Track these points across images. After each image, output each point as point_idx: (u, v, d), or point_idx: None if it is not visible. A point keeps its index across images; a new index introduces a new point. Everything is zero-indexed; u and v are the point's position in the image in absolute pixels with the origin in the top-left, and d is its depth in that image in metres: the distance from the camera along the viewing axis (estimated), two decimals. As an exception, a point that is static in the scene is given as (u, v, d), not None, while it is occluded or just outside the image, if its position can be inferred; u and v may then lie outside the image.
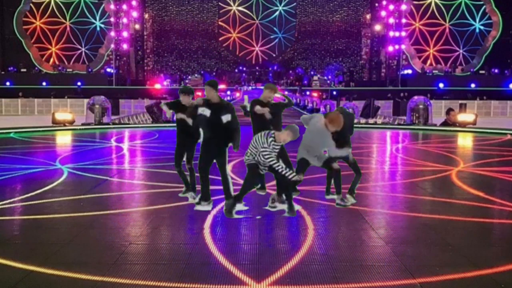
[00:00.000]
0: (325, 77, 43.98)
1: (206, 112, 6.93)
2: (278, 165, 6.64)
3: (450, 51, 43.80)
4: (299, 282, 4.65)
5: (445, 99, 31.64)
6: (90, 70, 41.20)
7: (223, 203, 7.43)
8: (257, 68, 47.31)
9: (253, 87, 43.20)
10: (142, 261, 5.31)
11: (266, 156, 6.58)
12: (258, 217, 6.84)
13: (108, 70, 40.50)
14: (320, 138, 6.95)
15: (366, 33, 46.49)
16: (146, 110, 24.22)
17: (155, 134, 17.97)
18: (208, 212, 7.03)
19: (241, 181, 8.68)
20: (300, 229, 6.34)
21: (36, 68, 41.56)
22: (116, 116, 26.23)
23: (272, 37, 48.61)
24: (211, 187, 7.36)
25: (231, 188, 7.08)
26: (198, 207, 7.18)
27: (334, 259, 5.27)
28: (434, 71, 41.23)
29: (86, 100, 25.82)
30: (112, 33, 39.47)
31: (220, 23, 48.18)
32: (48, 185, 8.80)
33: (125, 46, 39.64)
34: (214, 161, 7.14)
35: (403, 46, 39.48)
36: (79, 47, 44.45)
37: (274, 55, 48.61)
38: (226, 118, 6.93)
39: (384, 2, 39.98)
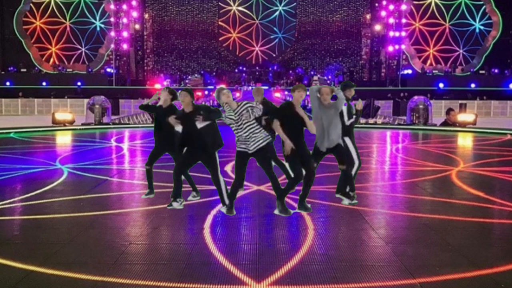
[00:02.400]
0: (325, 77, 43.96)
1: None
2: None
3: (450, 51, 43.78)
4: (299, 282, 4.65)
5: (445, 99, 31.64)
6: (90, 70, 41.18)
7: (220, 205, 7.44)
8: (257, 68, 47.28)
9: (253, 87, 43.08)
10: (142, 261, 5.31)
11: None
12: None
13: (108, 70, 40.48)
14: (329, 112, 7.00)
15: (366, 33, 46.47)
16: (146, 110, 24.19)
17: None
18: (208, 212, 7.03)
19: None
20: (300, 229, 6.34)
21: (36, 68, 41.54)
22: (116, 116, 26.24)
23: (272, 37, 48.60)
24: (211, 187, 7.35)
25: (225, 194, 6.97)
26: (173, 207, 7.15)
27: (334, 259, 5.27)
28: (434, 71, 41.21)
29: (86, 100, 25.83)
30: (112, 33, 39.46)
31: (220, 23, 48.17)
32: (48, 185, 8.80)
33: (125, 46, 39.64)
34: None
35: (403, 46, 39.46)
36: (79, 47, 44.43)
37: (274, 55, 48.59)
38: (199, 123, 6.80)
39: (384, 2, 39.96)
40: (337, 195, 7.52)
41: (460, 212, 7.15)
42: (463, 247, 5.64)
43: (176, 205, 7.17)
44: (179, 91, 7.09)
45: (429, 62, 43.64)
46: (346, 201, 7.41)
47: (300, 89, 6.77)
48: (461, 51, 43.68)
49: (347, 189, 7.45)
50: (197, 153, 6.92)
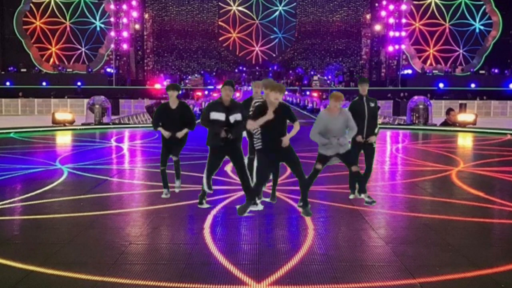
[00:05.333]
0: (325, 77, 43.96)
1: (221, 116, 6.90)
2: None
3: (450, 51, 43.80)
4: (299, 282, 4.65)
5: (445, 99, 31.65)
6: (90, 70, 41.20)
7: (223, 203, 7.44)
8: (257, 68, 47.29)
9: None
10: (142, 261, 5.31)
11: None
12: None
13: (108, 70, 40.50)
14: (337, 123, 7.07)
15: (366, 33, 46.48)
16: (146, 110, 24.24)
17: (155, 134, 17.96)
18: (208, 212, 7.03)
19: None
20: (300, 229, 6.34)
21: (36, 68, 41.56)
22: (116, 116, 26.23)
23: (272, 37, 48.61)
24: (216, 187, 7.34)
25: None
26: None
27: (334, 259, 5.27)
28: (434, 71, 41.22)
29: (86, 100, 25.83)
30: (112, 33, 39.47)
31: (220, 23, 48.18)
32: (48, 185, 8.79)
33: (125, 46, 39.65)
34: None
35: (403, 46, 39.47)
36: (79, 47, 44.45)
37: (274, 55, 48.60)
38: (233, 118, 6.92)
39: (384, 2, 39.98)
40: (362, 195, 7.59)
41: (460, 212, 7.15)
42: (463, 247, 5.64)
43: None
44: (224, 86, 7.00)
45: (429, 62, 43.65)
46: (366, 199, 7.49)
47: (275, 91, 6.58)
48: (461, 51, 43.69)
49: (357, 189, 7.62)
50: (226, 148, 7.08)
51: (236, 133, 6.91)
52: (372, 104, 7.70)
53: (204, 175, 7.15)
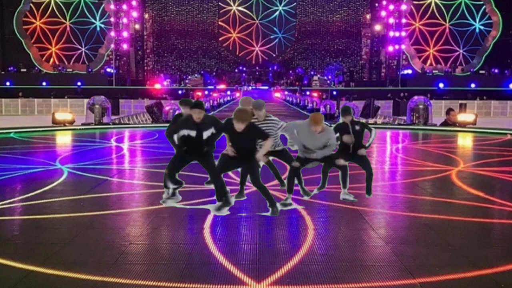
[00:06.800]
0: (325, 77, 43.97)
1: (192, 133, 6.83)
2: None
3: (450, 51, 43.81)
4: (299, 282, 4.65)
5: (445, 99, 31.67)
6: (90, 70, 41.22)
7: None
8: (257, 68, 47.31)
9: (253, 87, 43.27)
10: (142, 261, 5.31)
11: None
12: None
13: (108, 70, 40.53)
14: (317, 142, 7.05)
15: (366, 33, 46.51)
16: (146, 110, 24.24)
17: (155, 134, 17.96)
18: (208, 212, 7.02)
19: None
20: (300, 229, 6.33)
21: (36, 68, 41.58)
22: (116, 116, 26.22)
23: (272, 37, 48.63)
24: (211, 187, 7.34)
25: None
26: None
27: (334, 259, 5.27)
28: (434, 71, 41.24)
29: (86, 100, 25.82)
30: (112, 33, 39.50)
31: (220, 23, 48.19)
32: (48, 185, 8.79)
33: (125, 46, 39.67)
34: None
35: (403, 46, 39.49)
36: (79, 47, 44.46)
37: (274, 55, 48.62)
38: (207, 134, 6.84)
39: (384, 2, 40.00)
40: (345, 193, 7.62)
41: (460, 212, 7.15)
42: (463, 247, 5.64)
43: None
44: (193, 109, 6.77)
45: (429, 62, 43.67)
46: (343, 195, 7.56)
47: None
48: (461, 51, 43.71)
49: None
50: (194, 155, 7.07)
51: (210, 145, 6.94)
52: (358, 127, 7.54)
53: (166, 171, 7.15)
